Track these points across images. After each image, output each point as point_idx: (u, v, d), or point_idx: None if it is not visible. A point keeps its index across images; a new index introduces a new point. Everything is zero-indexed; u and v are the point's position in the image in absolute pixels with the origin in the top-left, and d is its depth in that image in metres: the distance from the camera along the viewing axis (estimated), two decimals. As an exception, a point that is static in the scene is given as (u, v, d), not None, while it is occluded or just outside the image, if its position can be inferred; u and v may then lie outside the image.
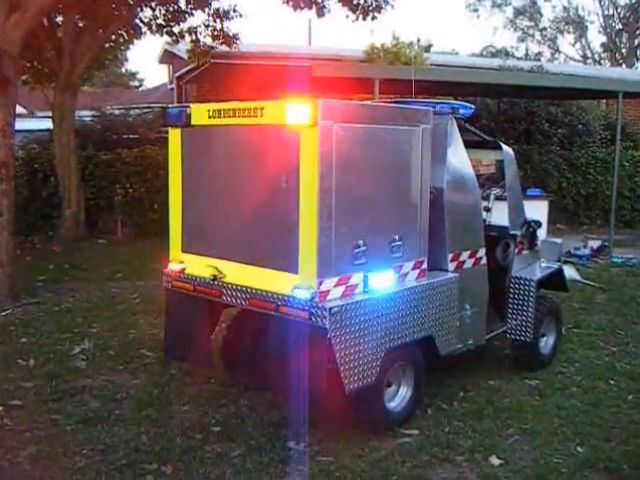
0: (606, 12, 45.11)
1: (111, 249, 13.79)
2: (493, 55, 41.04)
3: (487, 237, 6.66)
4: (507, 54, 41.36)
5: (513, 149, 7.41)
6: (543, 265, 7.47)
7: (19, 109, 15.58)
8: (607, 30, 45.42)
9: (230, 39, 15.30)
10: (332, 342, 4.98)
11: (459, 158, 6.31)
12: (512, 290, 6.98)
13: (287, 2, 14.43)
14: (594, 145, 19.22)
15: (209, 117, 5.61)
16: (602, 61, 46.57)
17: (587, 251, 13.77)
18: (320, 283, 5.00)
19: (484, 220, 6.90)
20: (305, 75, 10.99)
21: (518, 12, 47.79)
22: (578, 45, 48.30)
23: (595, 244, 14.08)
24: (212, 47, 15.45)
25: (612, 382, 6.99)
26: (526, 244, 7.25)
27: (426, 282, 5.82)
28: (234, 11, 15.17)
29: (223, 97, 6.19)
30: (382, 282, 5.40)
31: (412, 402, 5.90)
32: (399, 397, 5.85)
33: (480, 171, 7.37)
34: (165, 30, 15.42)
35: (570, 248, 13.57)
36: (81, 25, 14.68)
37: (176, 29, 15.45)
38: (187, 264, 5.99)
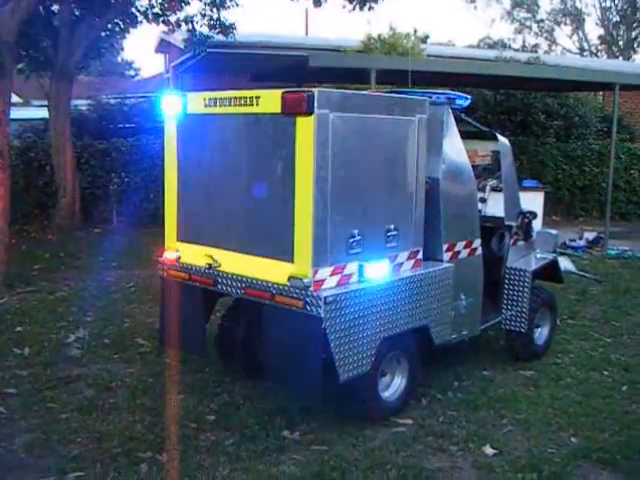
0: (603, 4, 45.00)
1: (106, 238, 13.76)
2: (490, 47, 40.95)
3: (483, 228, 6.66)
4: (504, 46, 41.29)
5: (509, 140, 7.41)
6: (538, 256, 7.47)
7: (15, 98, 15.56)
8: (604, 22, 45.33)
9: (226, 28, 15.24)
10: (327, 331, 4.98)
11: (455, 149, 6.30)
12: (507, 281, 6.99)
13: (284, -9, 14.40)
14: (590, 137, 19.25)
15: (205, 106, 5.60)
16: (599, 53, 46.51)
17: (582, 243, 13.80)
18: (315, 272, 5.00)
19: (480, 211, 6.91)
20: (302, 65, 10.97)
21: (515, 4, 47.62)
22: (575, 37, 48.22)
23: (590, 236, 14.11)
24: (208, 36, 15.40)
25: (606, 373, 7.02)
26: (521, 235, 7.25)
27: (421, 272, 5.82)
28: (230, 0, 15.11)
29: (220, 86, 6.16)
30: (377, 272, 5.40)
31: (406, 392, 5.91)
32: (393, 387, 5.86)
33: (476, 162, 7.39)
34: (161, 19, 15.33)
35: (565, 240, 13.60)
36: (77, 14, 14.62)
37: (172, 18, 15.34)
38: (182, 253, 5.99)
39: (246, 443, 5.30)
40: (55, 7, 14.65)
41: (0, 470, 4.96)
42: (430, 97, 6.06)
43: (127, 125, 16.56)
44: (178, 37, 17.11)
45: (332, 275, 5.13)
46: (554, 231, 8.28)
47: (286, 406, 5.88)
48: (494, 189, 7.46)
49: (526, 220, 7.27)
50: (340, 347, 5.08)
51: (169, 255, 6.06)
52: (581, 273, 11.11)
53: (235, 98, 5.34)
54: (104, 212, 15.25)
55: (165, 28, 15.98)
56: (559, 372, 6.99)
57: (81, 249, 12.53)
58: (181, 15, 15.28)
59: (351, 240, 5.22)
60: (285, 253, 5.12)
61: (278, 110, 4.98)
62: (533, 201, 10.65)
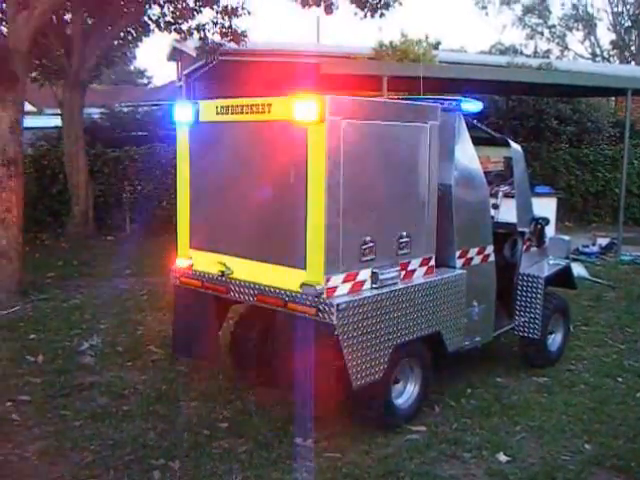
0: (615, 9, 44.94)
1: (119, 246, 13.82)
2: (502, 53, 40.93)
3: (495, 234, 6.65)
4: (516, 51, 41.26)
5: (522, 146, 7.40)
6: (551, 262, 7.45)
7: (28, 106, 15.66)
8: (616, 27, 45.21)
9: (238, 36, 15.29)
10: (339, 338, 4.98)
11: (467, 155, 6.29)
12: (520, 287, 6.97)
13: (296, -1, 14.43)
14: (603, 143, 19.16)
15: (217, 113, 5.62)
16: (611, 58, 46.40)
17: (595, 249, 13.73)
18: (328, 279, 5.00)
19: (492, 217, 6.89)
20: (313, 72, 10.99)
21: (527, 9, 47.63)
22: (587, 42, 48.17)
23: (604, 242, 14.04)
24: (220, 44, 15.45)
25: (620, 379, 6.98)
26: (534, 241, 7.23)
27: (434, 279, 5.81)
28: (242, 8, 15.14)
29: (231, 94, 6.19)
30: (390, 278, 5.39)
31: (419, 399, 5.89)
32: (406, 394, 5.84)
33: (488, 168, 7.36)
34: (173, 27, 15.41)
35: (578, 246, 13.53)
36: (90, 23, 14.72)
37: (184, 26, 15.43)
38: (195, 260, 6.00)
39: (259, 450, 5.30)
40: (68, 16, 14.73)
41: (14, 477, 4.98)
42: (442, 103, 6.05)
43: (140, 133, 16.63)
44: (190, 45, 17.17)
45: (344, 282, 5.12)
46: (567, 237, 8.27)
47: (299, 413, 5.87)
48: (506, 195, 7.43)
49: (539, 226, 7.24)
50: (353, 354, 5.07)
51: (182, 263, 6.07)
52: (594, 279, 11.07)
53: (247, 106, 5.36)
54: (117, 220, 15.31)
55: (177, 36, 16.04)
56: (573, 379, 6.96)
57: (94, 257, 12.58)
58: (193, 23, 15.38)
59: (363, 247, 5.21)
60: (297, 260, 5.12)
61: (290, 117, 4.99)
62: (546, 207, 10.58)
